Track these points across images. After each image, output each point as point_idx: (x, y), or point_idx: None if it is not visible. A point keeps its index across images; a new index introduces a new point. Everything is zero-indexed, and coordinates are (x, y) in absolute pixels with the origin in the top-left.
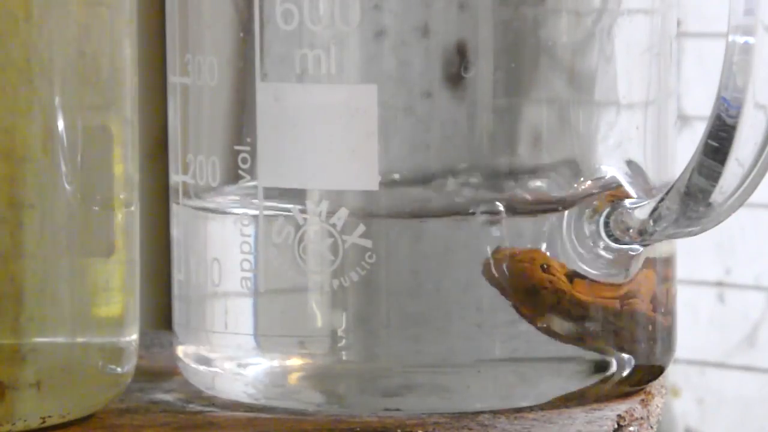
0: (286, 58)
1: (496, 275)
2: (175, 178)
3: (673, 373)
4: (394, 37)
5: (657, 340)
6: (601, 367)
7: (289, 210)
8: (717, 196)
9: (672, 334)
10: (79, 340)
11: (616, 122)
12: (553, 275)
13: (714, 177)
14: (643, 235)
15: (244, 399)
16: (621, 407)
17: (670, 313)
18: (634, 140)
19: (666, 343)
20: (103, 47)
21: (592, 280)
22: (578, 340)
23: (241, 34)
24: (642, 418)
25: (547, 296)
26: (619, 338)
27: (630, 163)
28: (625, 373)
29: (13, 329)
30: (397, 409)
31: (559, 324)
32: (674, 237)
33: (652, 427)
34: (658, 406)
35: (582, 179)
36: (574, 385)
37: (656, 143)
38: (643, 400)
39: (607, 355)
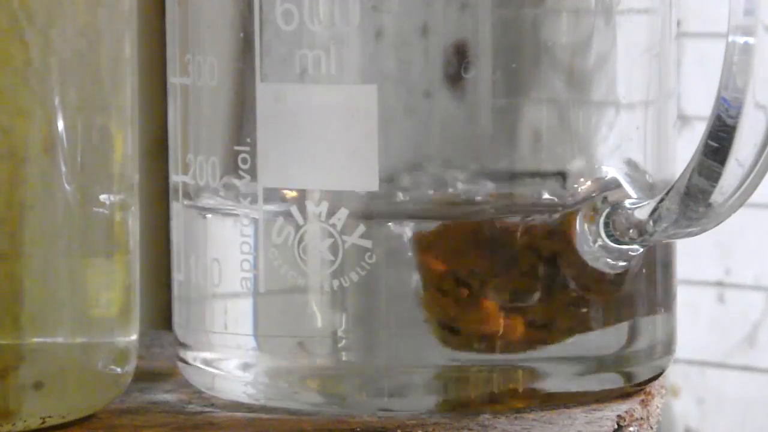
0: (286, 59)
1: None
2: (175, 178)
3: (673, 373)
4: (394, 38)
5: (657, 338)
6: (601, 367)
7: (289, 210)
8: (717, 196)
9: (672, 334)
10: (79, 340)
11: (615, 122)
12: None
13: (714, 177)
14: (643, 236)
15: (244, 399)
16: (621, 407)
17: (670, 311)
18: (634, 140)
19: (666, 342)
20: (103, 47)
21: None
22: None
23: (241, 34)
24: (642, 418)
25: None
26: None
27: (630, 164)
28: (625, 374)
29: (13, 329)
30: (397, 410)
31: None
32: (674, 237)
33: (652, 428)
34: (658, 407)
35: (582, 179)
36: (574, 386)
37: (656, 143)
38: (643, 400)
39: (607, 353)
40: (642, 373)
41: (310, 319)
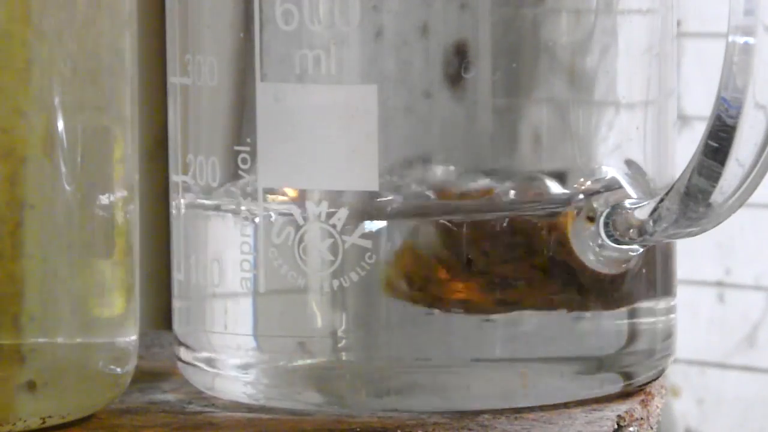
0: (286, 59)
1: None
2: (175, 178)
3: (673, 373)
4: (394, 37)
5: (657, 338)
6: (601, 367)
7: (289, 210)
8: (717, 196)
9: (672, 334)
10: (79, 340)
11: (615, 122)
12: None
13: (714, 177)
14: (643, 236)
15: (244, 399)
16: (621, 407)
17: (669, 312)
18: (634, 140)
19: (666, 343)
20: (103, 47)
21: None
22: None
23: (241, 34)
24: (642, 418)
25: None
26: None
27: (630, 163)
28: (625, 374)
29: (13, 329)
30: (397, 409)
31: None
32: (674, 237)
33: (652, 428)
34: (658, 407)
35: (582, 179)
36: (574, 386)
37: (656, 143)
38: (643, 400)
39: (607, 353)
40: (642, 373)
41: (310, 319)
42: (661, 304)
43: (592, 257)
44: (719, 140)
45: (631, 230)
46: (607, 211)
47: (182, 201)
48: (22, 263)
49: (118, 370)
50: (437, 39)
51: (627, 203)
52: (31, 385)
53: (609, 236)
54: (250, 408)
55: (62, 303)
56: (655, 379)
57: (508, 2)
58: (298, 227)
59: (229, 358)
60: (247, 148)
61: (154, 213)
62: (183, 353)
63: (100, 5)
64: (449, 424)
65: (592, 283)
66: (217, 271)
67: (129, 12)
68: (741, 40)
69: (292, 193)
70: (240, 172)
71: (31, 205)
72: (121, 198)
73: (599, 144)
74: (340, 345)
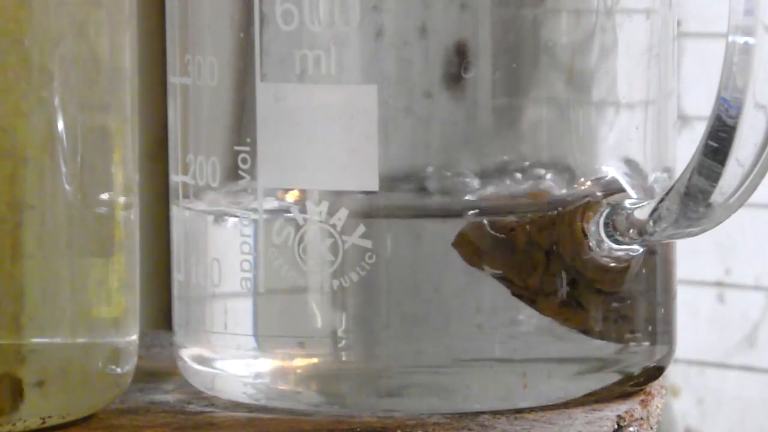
0: (286, 59)
1: (473, 248)
2: (175, 178)
3: (673, 373)
4: (394, 38)
5: (657, 338)
6: (601, 367)
7: (289, 210)
8: (717, 196)
9: (672, 334)
10: (79, 340)
11: (615, 122)
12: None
13: (714, 177)
14: (643, 236)
15: (244, 399)
16: (621, 407)
17: (670, 311)
18: (634, 140)
19: (666, 343)
20: (103, 47)
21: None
22: (582, 324)
23: (241, 34)
24: (642, 418)
25: (525, 250)
26: (619, 327)
27: (630, 163)
28: (625, 374)
29: (13, 329)
30: (397, 410)
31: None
32: (674, 237)
33: (652, 428)
34: (657, 407)
35: (582, 179)
36: (574, 386)
37: (656, 143)
38: (643, 400)
39: (607, 353)
40: (642, 373)
41: (310, 319)
42: (661, 303)
43: (591, 257)
44: (719, 140)
45: (631, 230)
46: (607, 211)
47: (182, 201)
48: (22, 263)
49: (118, 370)
50: (437, 39)
51: (627, 203)
52: (31, 385)
53: (609, 236)
54: (250, 408)
55: (62, 303)
56: (655, 379)
57: (508, 2)
58: (298, 227)
59: (229, 358)
60: (247, 148)
61: (154, 213)
62: (183, 353)
63: (100, 5)
64: (449, 424)
65: (592, 283)
66: (217, 271)
67: (129, 12)
68: (741, 40)
69: (292, 193)
70: (240, 172)
71: (31, 205)
72: (121, 197)
73: (599, 144)
74: (340, 345)
